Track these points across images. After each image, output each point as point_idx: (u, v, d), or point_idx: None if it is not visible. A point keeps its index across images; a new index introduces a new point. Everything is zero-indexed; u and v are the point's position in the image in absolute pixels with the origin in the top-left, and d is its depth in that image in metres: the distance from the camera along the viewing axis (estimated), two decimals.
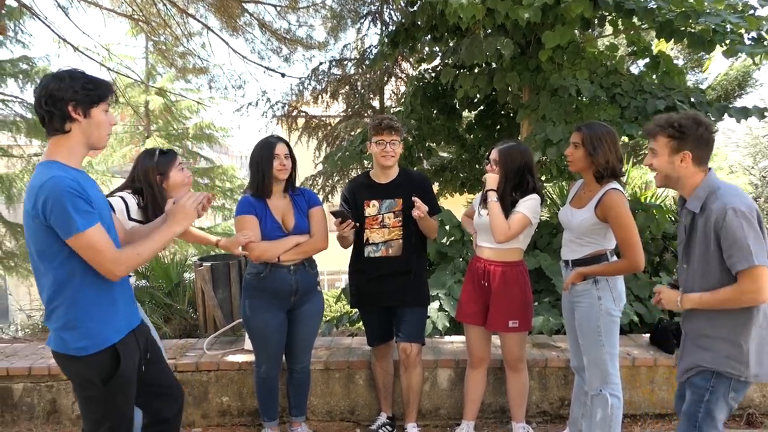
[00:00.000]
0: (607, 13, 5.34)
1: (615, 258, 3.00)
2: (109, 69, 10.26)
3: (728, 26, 4.65)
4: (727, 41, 4.66)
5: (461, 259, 5.16)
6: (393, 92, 11.85)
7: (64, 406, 3.80)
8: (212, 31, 9.36)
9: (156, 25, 9.47)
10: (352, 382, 3.85)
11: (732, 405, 2.30)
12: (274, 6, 9.16)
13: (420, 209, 3.21)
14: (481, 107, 6.92)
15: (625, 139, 4.87)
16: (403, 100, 7.88)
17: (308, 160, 11.49)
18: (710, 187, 2.24)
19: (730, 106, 4.85)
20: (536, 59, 5.28)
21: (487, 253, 3.30)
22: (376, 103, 11.45)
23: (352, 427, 3.80)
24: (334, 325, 5.58)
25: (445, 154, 9.39)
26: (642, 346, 4.03)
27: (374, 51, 9.46)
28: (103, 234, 2.04)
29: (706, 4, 4.76)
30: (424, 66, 7.30)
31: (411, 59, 9.34)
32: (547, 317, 4.43)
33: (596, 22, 5.50)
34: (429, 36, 6.31)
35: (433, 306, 4.56)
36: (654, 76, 5.69)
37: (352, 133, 10.22)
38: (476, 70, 5.84)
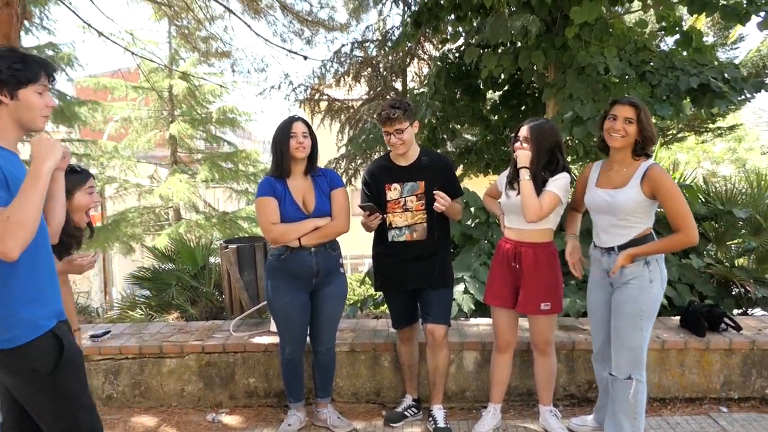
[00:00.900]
0: None
1: (657, 237, 2.93)
2: (133, 53, 10.32)
3: None
4: (762, 12, 4.50)
5: (486, 241, 5.10)
6: (416, 74, 11.75)
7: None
8: (234, 14, 9.35)
9: (179, 9, 9.50)
10: (377, 364, 3.85)
11: None
12: None
13: (440, 202, 3.17)
14: (506, 87, 6.81)
15: (656, 119, 4.75)
16: (426, 81, 7.79)
17: (331, 143, 11.49)
18: None
19: (767, 81, 4.70)
20: (562, 37, 5.16)
21: (516, 234, 3.25)
22: (398, 85, 11.38)
23: (377, 409, 3.80)
24: (358, 308, 5.58)
25: (469, 136, 9.30)
26: (672, 329, 3.96)
27: (397, 32, 9.38)
28: None
29: None
30: (447, 46, 7.20)
31: (434, 39, 9.25)
32: (574, 299, 4.37)
33: None
34: (452, 15, 6.21)
35: (459, 288, 4.53)
36: (684, 53, 5.54)
37: (375, 116, 10.17)
38: (501, 50, 5.74)
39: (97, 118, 13.78)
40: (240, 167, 15.65)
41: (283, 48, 10.01)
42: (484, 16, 5.63)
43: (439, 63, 6.78)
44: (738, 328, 3.83)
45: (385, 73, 11.27)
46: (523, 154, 3.09)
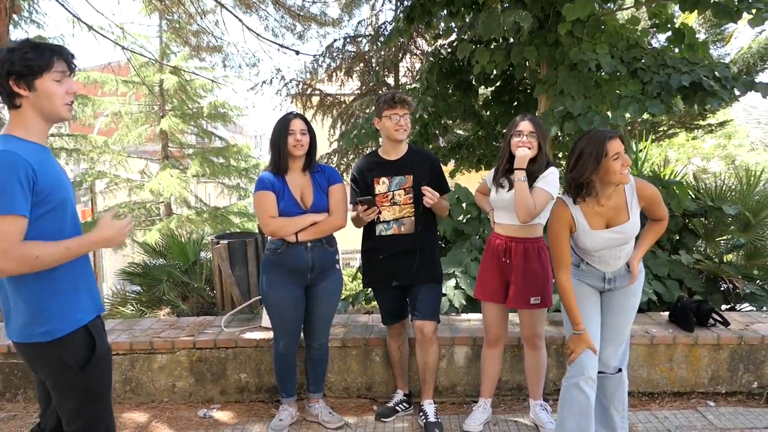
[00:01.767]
0: None
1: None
2: (123, 48, 10.24)
3: None
4: (754, 10, 4.53)
5: (478, 237, 5.12)
6: (408, 69, 11.74)
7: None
8: (226, 8, 9.31)
9: (170, 3, 9.45)
10: (368, 359, 3.86)
11: None
12: None
13: (429, 197, 3.21)
14: (498, 83, 6.82)
15: (646, 116, 4.77)
16: (418, 76, 7.79)
17: (323, 138, 11.46)
18: None
19: (758, 81, 4.72)
20: (555, 33, 5.17)
21: (507, 229, 3.26)
22: (390, 81, 11.37)
23: (369, 404, 3.81)
24: (350, 303, 5.59)
25: (461, 131, 9.31)
26: (661, 324, 4.00)
27: (389, 27, 9.38)
28: (15, 227, 1.86)
29: None
30: (440, 42, 7.20)
31: (427, 35, 9.23)
32: None
33: None
34: (445, 11, 6.21)
35: (450, 284, 4.55)
36: (677, 50, 5.56)
37: (367, 111, 10.16)
38: (493, 45, 5.74)
39: (87, 113, 13.70)
40: (231, 162, 15.60)
41: (275, 43, 9.97)
42: (477, 12, 5.64)
43: (431, 58, 6.77)
44: (726, 323, 3.87)
45: (377, 68, 11.25)
46: (525, 154, 3.07)
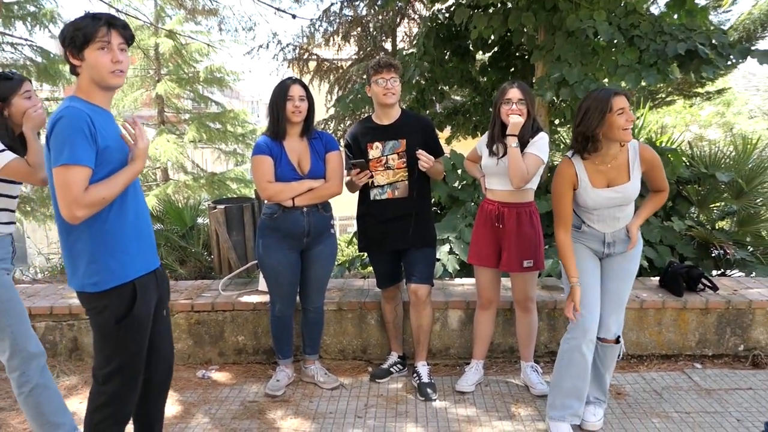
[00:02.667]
0: None
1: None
2: (117, 11, 10.11)
3: None
4: None
5: (473, 203, 5.16)
6: (405, 34, 11.61)
7: (85, 344, 3.92)
8: None
9: None
10: (364, 322, 3.94)
11: None
12: None
13: (424, 161, 3.22)
14: (495, 49, 6.76)
15: (644, 83, 4.75)
16: (415, 41, 7.71)
17: (320, 104, 11.40)
18: None
19: (754, 48, 4.70)
20: None
21: (499, 195, 3.30)
22: (388, 45, 11.26)
23: (363, 366, 3.90)
24: (346, 268, 5.66)
25: (457, 98, 9.26)
26: (651, 289, 4.07)
27: None
28: (82, 177, 2.00)
29: None
30: (437, 6, 7.12)
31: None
32: (556, 260, 4.46)
33: None
34: None
35: (444, 249, 4.60)
36: (675, 17, 5.51)
37: (364, 77, 10.08)
38: (491, 10, 5.69)
39: None
40: (228, 128, 15.50)
41: (271, 6, 9.94)
42: None
43: (428, 23, 6.71)
44: (715, 288, 3.94)
45: (374, 32, 11.13)
46: (518, 121, 3.11)
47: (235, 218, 4.74)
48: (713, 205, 5.61)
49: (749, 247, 5.29)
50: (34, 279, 6.35)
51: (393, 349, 3.80)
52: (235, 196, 13.57)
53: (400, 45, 11.19)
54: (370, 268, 5.60)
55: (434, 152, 3.39)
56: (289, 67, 11.60)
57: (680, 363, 3.83)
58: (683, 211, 5.33)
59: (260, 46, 11.48)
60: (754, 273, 4.88)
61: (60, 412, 2.77)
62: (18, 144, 2.70)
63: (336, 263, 5.36)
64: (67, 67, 11.79)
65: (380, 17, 10.69)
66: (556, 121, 6.89)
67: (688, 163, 5.70)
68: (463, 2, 5.77)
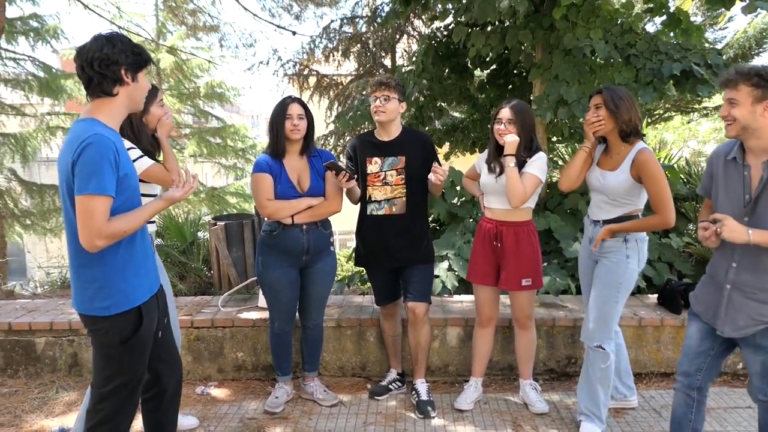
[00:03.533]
0: None
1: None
2: (119, 27, 10.20)
3: None
4: None
5: (471, 220, 5.19)
6: (405, 50, 11.71)
7: (85, 359, 3.93)
8: None
9: None
10: (363, 339, 3.94)
11: None
12: None
13: (438, 175, 3.21)
14: (494, 66, 6.81)
15: (640, 101, 4.80)
16: (414, 58, 7.78)
17: (320, 119, 11.46)
18: None
19: None
20: (550, 17, 5.18)
21: (498, 213, 3.33)
22: (387, 62, 11.34)
23: (363, 383, 3.91)
24: (345, 284, 5.67)
25: (456, 114, 9.32)
26: (649, 306, 4.08)
27: (386, 8, 9.32)
28: (106, 207, 2.03)
29: None
30: (436, 24, 7.18)
31: (423, 17, 9.20)
32: (554, 278, 4.48)
33: None
34: None
35: (443, 266, 4.62)
36: (671, 35, 5.57)
37: (364, 93, 10.14)
38: (489, 29, 5.74)
39: (83, 92, 13.58)
40: (228, 142, 15.56)
41: (272, 23, 9.98)
42: None
43: (427, 41, 6.77)
44: None
45: (374, 49, 11.21)
46: (512, 140, 3.16)
47: (236, 235, 4.76)
48: None
49: None
50: (34, 294, 6.35)
51: (392, 366, 3.80)
52: (234, 210, 13.61)
53: (399, 61, 11.27)
54: (370, 284, 5.61)
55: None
56: (289, 82, 11.68)
57: None
58: (681, 227, 5.35)
59: (261, 62, 11.62)
60: None
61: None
62: (156, 148, 2.90)
63: (335, 279, 5.37)
64: (68, 82, 11.89)
65: (379, 34, 10.78)
66: (554, 138, 6.93)
67: (685, 180, 5.73)
68: (462, 21, 5.82)
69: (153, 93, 2.90)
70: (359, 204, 3.53)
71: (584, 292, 3.32)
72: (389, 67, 11.13)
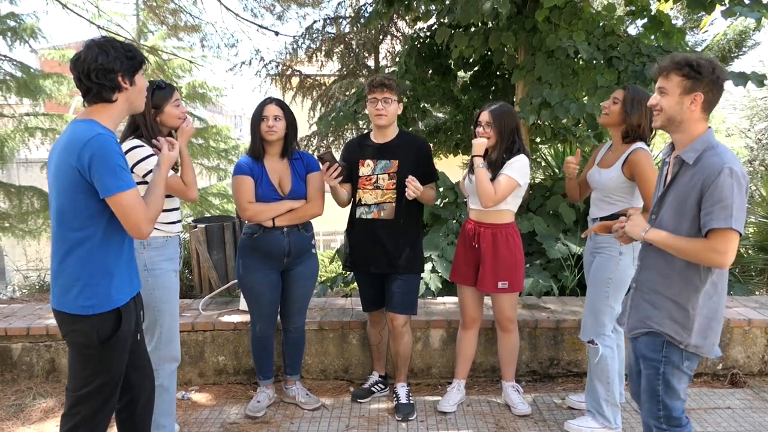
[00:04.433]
0: None
1: None
2: (98, 27, 10.07)
3: None
4: (727, 1, 4.60)
5: (455, 221, 5.19)
6: (388, 51, 11.67)
7: (62, 365, 3.86)
8: None
9: None
10: (345, 342, 3.92)
11: (689, 374, 2.23)
12: None
13: (412, 189, 3.15)
14: (477, 68, 6.82)
15: None
16: (398, 59, 7.78)
17: (303, 120, 11.40)
18: (709, 142, 2.14)
19: (729, 70, 4.80)
20: (533, 19, 5.19)
21: (476, 215, 3.35)
22: (371, 63, 11.31)
23: (345, 386, 3.88)
24: (328, 287, 5.64)
25: (440, 115, 9.33)
26: None
27: (369, 9, 9.31)
28: (139, 196, 2.14)
29: None
30: (419, 25, 7.18)
31: (406, 18, 9.20)
32: (537, 279, 4.49)
33: None
34: None
35: (426, 267, 4.61)
36: (653, 38, 5.61)
37: (347, 93, 10.12)
38: (472, 30, 5.75)
39: (62, 92, 13.37)
40: (211, 143, 15.38)
41: (254, 23, 9.89)
42: None
43: (410, 42, 6.77)
44: None
45: (357, 50, 11.16)
46: (478, 143, 3.21)
47: (216, 237, 4.72)
48: None
49: (734, 267, 5.35)
50: (11, 298, 6.24)
51: (375, 368, 3.78)
52: (218, 212, 13.50)
53: (382, 62, 11.25)
54: (353, 286, 5.58)
55: (427, 176, 3.36)
56: (272, 83, 11.60)
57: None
58: None
59: (243, 63, 11.47)
60: (731, 292, 4.94)
61: (167, 416, 2.95)
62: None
63: (318, 281, 5.34)
64: (47, 82, 11.73)
65: (363, 35, 10.75)
66: (537, 140, 6.96)
67: None
68: (445, 22, 5.82)
69: (169, 92, 2.88)
70: (350, 206, 3.48)
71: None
72: (372, 67, 11.11)
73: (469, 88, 6.96)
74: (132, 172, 2.68)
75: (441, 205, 5.38)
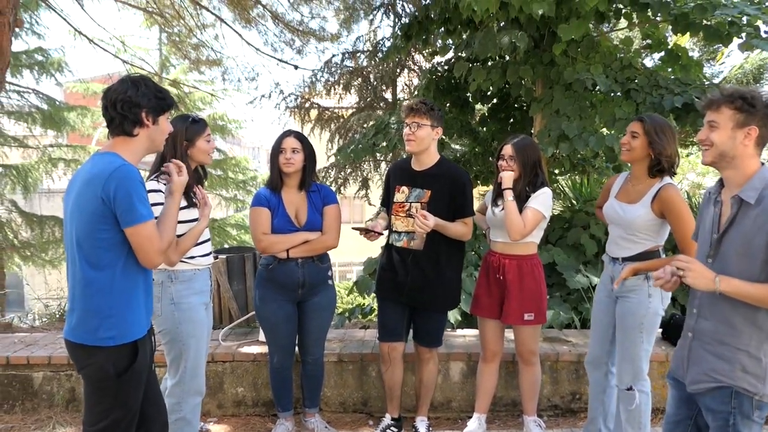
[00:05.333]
0: (622, 6, 5.31)
1: (664, 255, 2.99)
2: (123, 61, 10.32)
3: (744, 18, 4.60)
4: (744, 34, 4.62)
5: (474, 253, 5.17)
6: (406, 84, 11.81)
7: (82, 394, 3.86)
8: (225, 22, 9.40)
9: (170, 17, 9.53)
10: (365, 374, 3.89)
11: (759, 422, 2.05)
12: None
13: (420, 224, 3.04)
14: (494, 100, 6.89)
15: None
16: (416, 93, 7.86)
17: (321, 152, 11.50)
18: (767, 179, 2.00)
19: None
20: (550, 53, 5.25)
21: (501, 247, 3.33)
22: (388, 95, 11.44)
23: (365, 419, 3.84)
24: (346, 318, 5.62)
25: (457, 147, 9.38)
26: (655, 341, 4.03)
27: (387, 43, 9.46)
28: (155, 228, 2.18)
29: None
30: (437, 59, 7.28)
31: (424, 52, 9.32)
32: (558, 311, 4.45)
33: (611, 15, 5.46)
34: (442, 29, 6.30)
35: None
36: (670, 70, 5.64)
37: (365, 126, 10.21)
38: (489, 64, 5.82)
39: (86, 123, 13.70)
40: (229, 174, 15.59)
41: (274, 57, 10.05)
42: (474, 30, 5.72)
43: (428, 75, 6.85)
44: None
45: (375, 83, 11.31)
46: (506, 175, 3.18)
47: (236, 268, 4.74)
48: None
49: None
50: (32, 326, 6.29)
51: (388, 410, 3.59)
52: (235, 242, 13.58)
53: (400, 95, 11.38)
54: (372, 317, 5.56)
55: (460, 211, 3.24)
56: (290, 115, 11.76)
57: None
58: None
59: (263, 96, 11.65)
60: None
61: None
62: (195, 182, 2.90)
63: (336, 312, 5.33)
64: (71, 114, 11.98)
65: (381, 68, 10.90)
66: (556, 171, 6.96)
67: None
68: (463, 56, 5.90)
69: (202, 126, 2.94)
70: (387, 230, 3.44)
71: (594, 327, 3.24)
72: (390, 100, 11.23)
73: (487, 121, 7.01)
74: None
75: None
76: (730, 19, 4.60)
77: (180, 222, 2.62)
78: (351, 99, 11.79)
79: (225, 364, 3.89)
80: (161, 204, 2.61)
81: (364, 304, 5.72)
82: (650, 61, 8.49)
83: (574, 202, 6.62)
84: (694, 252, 2.42)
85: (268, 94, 11.59)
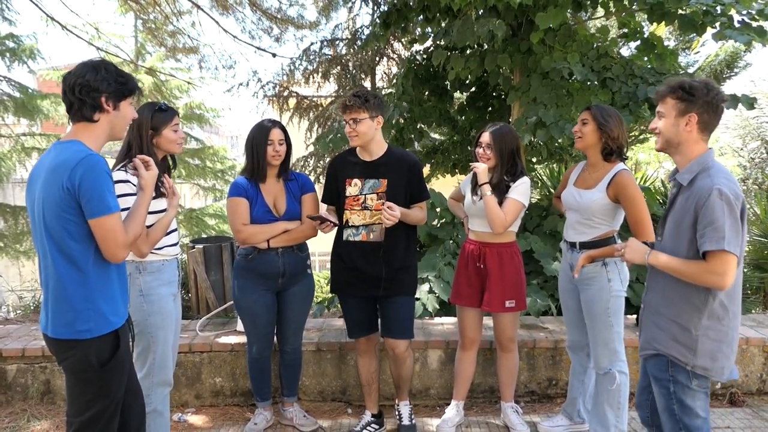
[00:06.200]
0: None
1: (620, 241, 3.04)
2: (97, 48, 10.13)
3: (718, 8, 4.66)
4: (717, 24, 4.68)
5: (452, 242, 5.19)
6: (384, 73, 11.79)
7: (58, 387, 3.83)
8: (202, 9, 9.27)
9: (145, 3, 9.38)
10: (343, 363, 3.90)
11: (701, 391, 2.22)
12: None
13: (387, 217, 3.01)
14: (473, 89, 6.90)
15: None
16: (394, 81, 7.84)
17: (299, 141, 11.46)
18: (704, 163, 2.18)
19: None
20: (527, 41, 5.26)
21: (481, 235, 3.34)
22: (367, 84, 11.40)
23: (343, 407, 3.86)
24: (325, 307, 5.62)
25: (436, 136, 9.39)
26: (628, 327, 4.08)
27: (366, 31, 9.41)
28: (121, 221, 2.13)
29: None
30: (415, 47, 7.27)
31: (403, 40, 9.30)
32: (535, 299, 4.49)
33: (588, 3, 5.49)
34: (421, 17, 6.28)
35: (424, 288, 4.60)
36: (646, 59, 5.70)
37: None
38: (468, 52, 5.82)
39: (60, 112, 13.43)
40: (207, 164, 15.42)
41: (252, 45, 9.94)
42: (452, 18, 5.71)
43: (407, 64, 6.84)
44: None
45: (354, 71, 11.26)
46: (481, 169, 3.18)
47: (214, 258, 4.72)
48: None
49: None
50: (6, 318, 6.20)
51: (367, 407, 3.54)
52: (213, 232, 13.47)
53: (379, 83, 11.35)
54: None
55: (417, 196, 3.23)
56: (269, 104, 11.66)
57: None
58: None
59: (240, 84, 11.54)
60: None
61: None
62: (163, 172, 2.81)
63: (315, 301, 5.33)
64: (44, 102, 11.77)
65: (360, 56, 10.85)
66: (533, 159, 7.01)
67: (662, 201, 5.80)
68: (441, 44, 5.89)
69: (170, 115, 2.85)
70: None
71: (565, 314, 3.35)
72: (369, 88, 11.20)
73: (465, 109, 7.02)
74: None
75: (438, 226, 5.39)
76: (704, 8, 4.65)
77: (149, 213, 2.58)
78: (330, 87, 11.73)
79: (203, 354, 3.87)
80: (129, 195, 2.58)
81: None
82: (627, 50, 8.56)
83: (552, 190, 6.67)
84: (649, 233, 2.77)
85: (246, 83, 11.49)
